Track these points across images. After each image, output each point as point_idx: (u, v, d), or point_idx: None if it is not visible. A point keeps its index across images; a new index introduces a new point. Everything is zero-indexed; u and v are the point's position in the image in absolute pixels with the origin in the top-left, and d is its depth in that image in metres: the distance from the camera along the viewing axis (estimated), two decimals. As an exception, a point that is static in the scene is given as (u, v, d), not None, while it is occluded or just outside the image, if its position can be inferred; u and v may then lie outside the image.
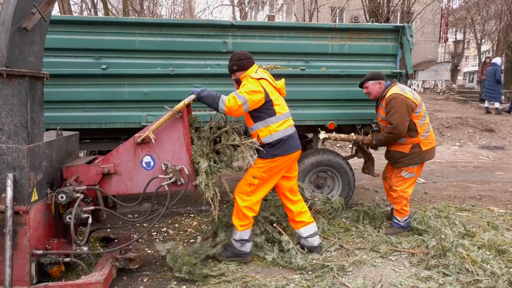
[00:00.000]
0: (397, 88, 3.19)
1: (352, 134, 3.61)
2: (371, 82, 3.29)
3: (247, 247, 2.81)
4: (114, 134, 3.54)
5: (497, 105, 10.54)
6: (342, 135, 3.56)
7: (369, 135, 3.55)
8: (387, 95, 3.20)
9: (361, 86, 3.39)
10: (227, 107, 2.57)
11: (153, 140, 2.54)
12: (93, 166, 2.56)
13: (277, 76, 3.47)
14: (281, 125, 2.75)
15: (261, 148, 2.75)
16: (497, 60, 10.87)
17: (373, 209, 3.74)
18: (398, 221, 3.32)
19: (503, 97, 11.61)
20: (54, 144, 2.46)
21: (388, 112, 3.15)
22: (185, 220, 3.80)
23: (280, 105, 2.80)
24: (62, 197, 2.33)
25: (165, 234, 3.43)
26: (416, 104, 3.14)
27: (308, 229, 2.89)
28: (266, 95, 2.70)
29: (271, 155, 2.71)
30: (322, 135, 3.54)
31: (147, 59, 3.36)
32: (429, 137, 3.24)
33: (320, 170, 3.83)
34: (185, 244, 2.92)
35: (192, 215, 3.95)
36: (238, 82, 2.81)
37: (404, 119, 3.10)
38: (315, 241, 2.90)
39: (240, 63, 2.76)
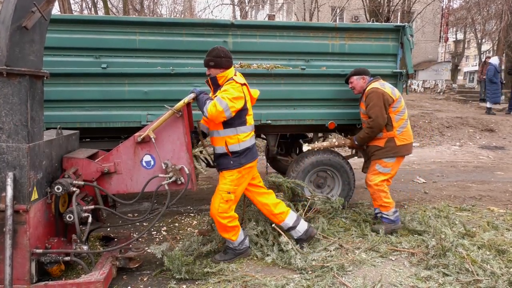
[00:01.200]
0: (377, 83, 3.33)
1: (334, 140, 3.66)
2: (355, 77, 3.41)
3: (246, 243, 2.87)
4: (114, 133, 3.54)
5: (488, 104, 10.51)
6: (325, 143, 3.65)
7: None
8: (367, 89, 3.33)
9: (346, 81, 3.51)
10: (209, 114, 2.52)
11: (153, 139, 2.54)
12: (94, 162, 2.57)
13: (278, 76, 3.51)
14: (248, 135, 2.75)
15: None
16: (493, 60, 10.81)
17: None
18: (387, 215, 3.33)
19: (503, 97, 11.48)
20: (54, 143, 2.45)
21: (367, 105, 3.27)
22: (185, 220, 3.80)
23: (251, 115, 2.82)
24: (58, 188, 2.31)
25: (165, 234, 3.42)
26: (393, 99, 3.25)
27: (291, 216, 2.93)
28: (245, 102, 2.67)
29: (238, 164, 2.70)
30: (305, 147, 3.64)
31: (147, 58, 3.36)
32: (405, 133, 3.30)
33: (320, 169, 3.82)
34: (179, 244, 2.91)
35: (192, 214, 3.95)
36: (214, 81, 2.70)
37: (383, 112, 3.21)
38: (303, 225, 2.95)
39: (218, 60, 2.64)
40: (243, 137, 2.71)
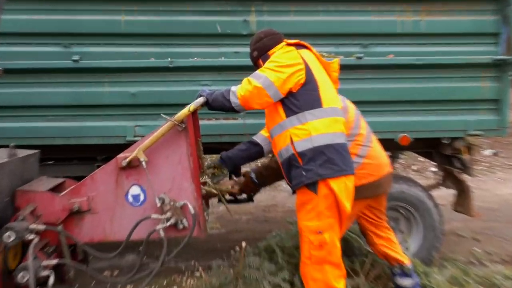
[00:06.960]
0: None
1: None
2: None
3: None
4: (87, 153, 3.58)
5: None
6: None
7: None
8: None
9: None
10: (240, 97, 2.45)
11: (144, 163, 2.53)
12: (60, 196, 2.57)
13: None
14: (327, 125, 2.46)
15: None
16: None
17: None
18: None
19: None
20: (4, 168, 2.45)
21: None
22: (188, 281, 3.74)
23: (330, 94, 2.57)
24: (9, 236, 2.30)
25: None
26: None
27: None
28: (308, 71, 2.51)
29: (315, 175, 2.38)
30: None
31: (136, 47, 3.42)
32: None
33: (388, 207, 3.65)
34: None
35: (197, 274, 3.85)
36: (265, 60, 2.66)
37: None
38: None
39: (260, 44, 2.71)
40: (317, 127, 2.42)
